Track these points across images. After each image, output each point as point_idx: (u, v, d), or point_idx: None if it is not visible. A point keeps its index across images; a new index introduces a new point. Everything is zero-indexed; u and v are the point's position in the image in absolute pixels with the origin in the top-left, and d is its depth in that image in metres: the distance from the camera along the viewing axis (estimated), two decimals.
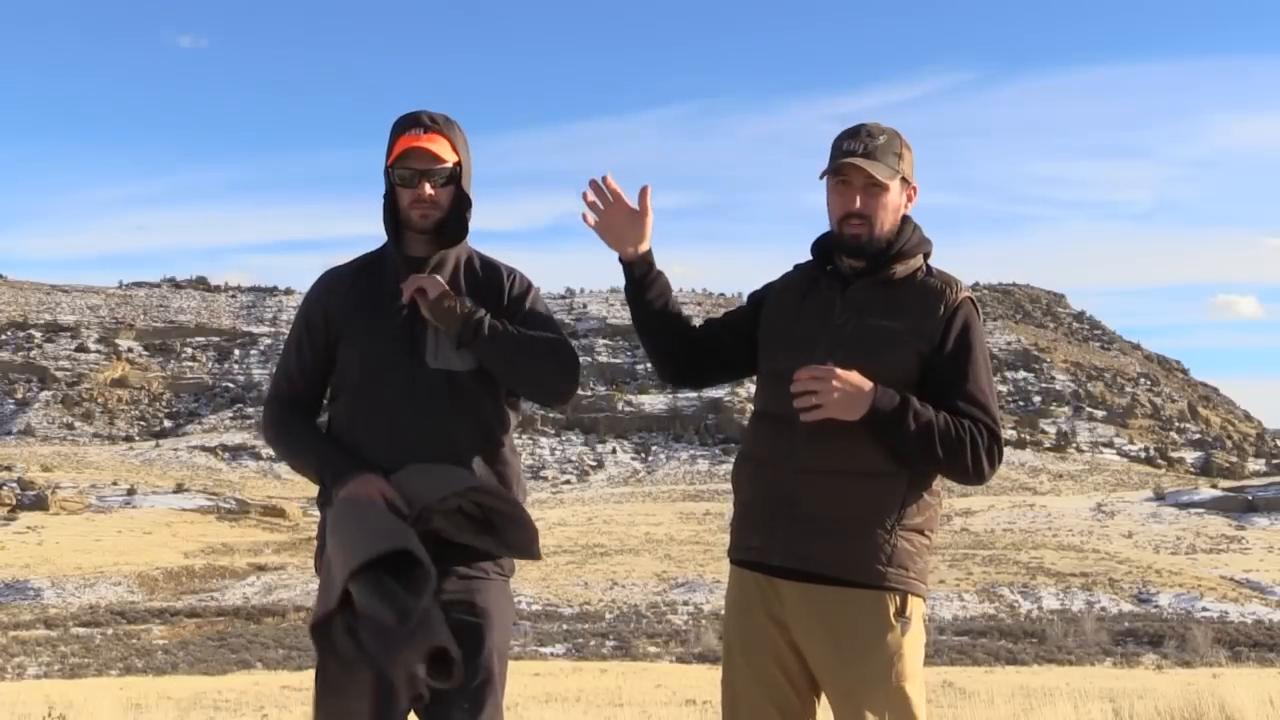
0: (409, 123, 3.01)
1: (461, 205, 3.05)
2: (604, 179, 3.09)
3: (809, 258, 3.08)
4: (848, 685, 2.78)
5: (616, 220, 3.06)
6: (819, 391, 2.71)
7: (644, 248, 3.07)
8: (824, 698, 2.93)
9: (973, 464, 2.78)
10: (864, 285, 2.91)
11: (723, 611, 3.11)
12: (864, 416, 2.72)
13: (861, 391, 2.73)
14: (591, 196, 3.08)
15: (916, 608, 2.84)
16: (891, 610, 2.79)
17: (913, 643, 2.82)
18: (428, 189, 2.97)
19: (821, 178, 2.93)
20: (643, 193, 3.06)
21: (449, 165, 3.00)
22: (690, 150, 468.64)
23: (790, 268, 3.12)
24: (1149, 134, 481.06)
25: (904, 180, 2.93)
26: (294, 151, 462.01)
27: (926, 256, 2.98)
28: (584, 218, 3.08)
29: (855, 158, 2.85)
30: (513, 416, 3.11)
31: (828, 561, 2.80)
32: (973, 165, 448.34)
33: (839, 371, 2.72)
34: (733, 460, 3.10)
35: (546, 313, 3.11)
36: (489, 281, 3.09)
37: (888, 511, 2.80)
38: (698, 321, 3.18)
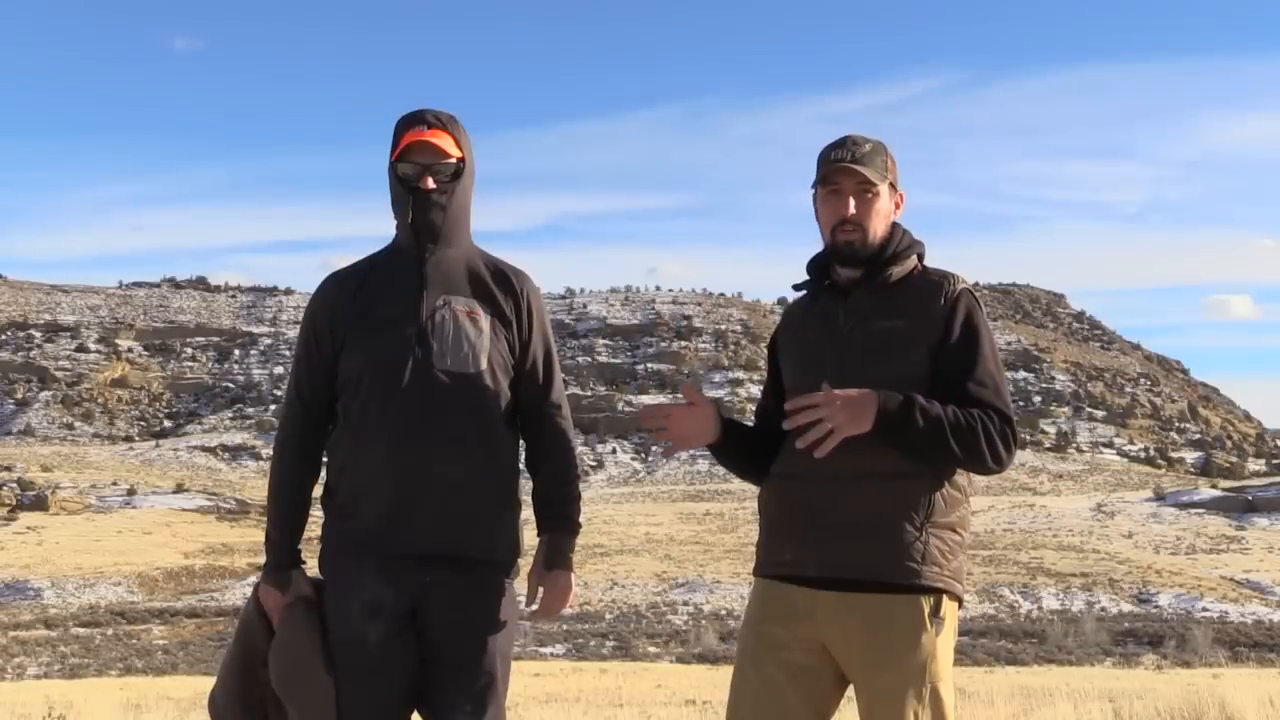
0: (413, 120, 3.01)
1: (462, 205, 3.04)
2: (657, 408, 3.01)
3: (797, 279, 3.11)
4: (885, 687, 2.78)
5: (686, 428, 2.97)
6: (824, 418, 2.70)
7: (719, 431, 3.00)
8: (833, 713, 2.94)
9: (989, 451, 2.77)
10: (863, 292, 2.92)
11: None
12: (875, 423, 2.71)
13: (864, 400, 2.72)
14: (652, 424, 2.99)
15: (951, 608, 2.84)
16: (926, 610, 2.79)
17: (945, 643, 2.83)
18: (430, 183, 2.97)
19: (814, 188, 2.96)
20: (687, 391, 3.01)
21: (453, 161, 3.00)
22: (680, 151, 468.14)
23: (788, 283, 3.14)
24: (1138, 134, 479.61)
25: (891, 187, 2.96)
26: (293, 151, 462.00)
27: (920, 257, 2.99)
28: (661, 451, 3.03)
29: (844, 163, 2.88)
30: (518, 418, 3.10)
31: (862, 566, 2.79)
32: (962, 165, 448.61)
33: (834, 392, 2.72)
34: None
35: (550, 344, 3.15)
36: (499, 282, 3.08)
37: (916, 511, 2.79)
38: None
